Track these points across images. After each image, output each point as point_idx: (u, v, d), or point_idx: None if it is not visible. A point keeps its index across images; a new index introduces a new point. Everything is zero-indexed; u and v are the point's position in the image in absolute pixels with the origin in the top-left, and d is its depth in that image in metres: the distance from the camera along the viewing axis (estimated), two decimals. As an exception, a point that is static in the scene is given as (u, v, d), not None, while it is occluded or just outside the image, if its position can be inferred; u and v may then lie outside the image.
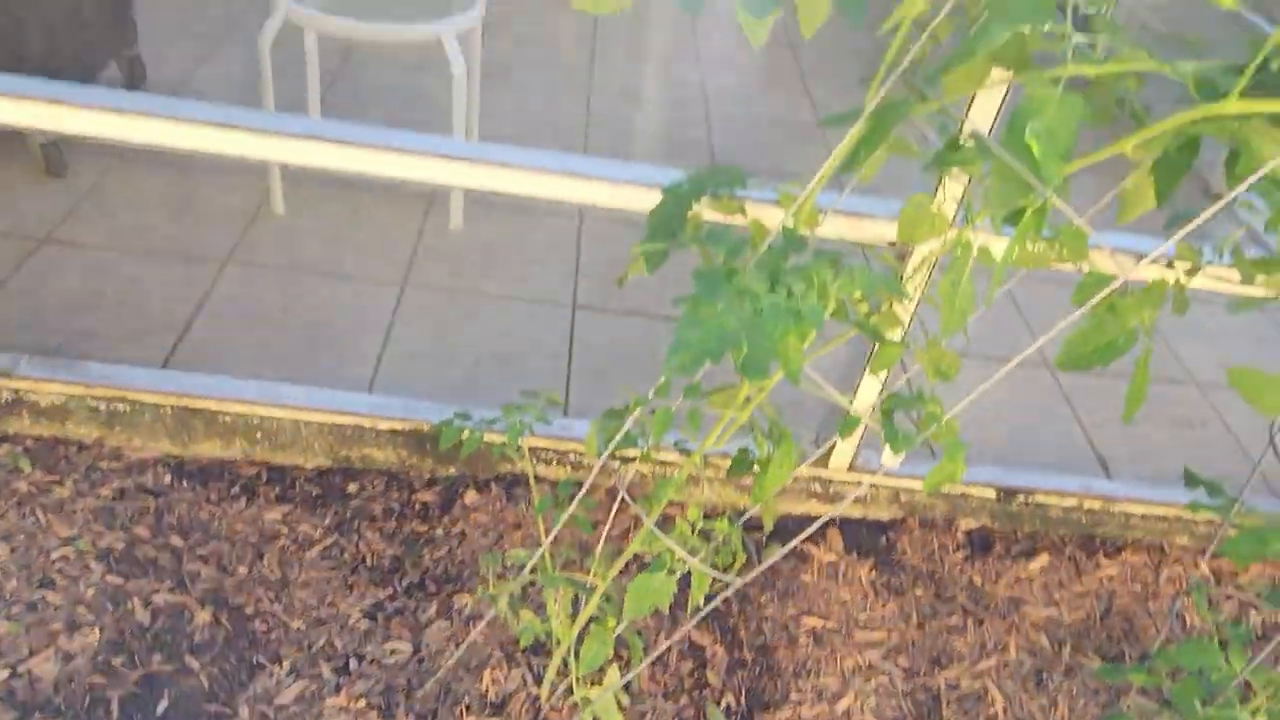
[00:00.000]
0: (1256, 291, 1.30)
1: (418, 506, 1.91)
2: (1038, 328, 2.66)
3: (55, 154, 2.54)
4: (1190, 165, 1.06)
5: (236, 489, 1.87)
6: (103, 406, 1.86)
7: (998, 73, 1.07)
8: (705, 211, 1.29)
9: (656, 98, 3.64)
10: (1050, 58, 0.99)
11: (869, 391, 1.78)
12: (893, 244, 1.66)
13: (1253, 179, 0.90)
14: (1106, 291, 0.98)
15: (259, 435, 1.91)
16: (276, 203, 2.57)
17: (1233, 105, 0.97)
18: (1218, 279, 1.41)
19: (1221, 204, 0.91)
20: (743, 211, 1.32)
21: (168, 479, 1.85)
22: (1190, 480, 1.53)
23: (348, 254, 2.52)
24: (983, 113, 1.36)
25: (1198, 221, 0.95)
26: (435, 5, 2.30)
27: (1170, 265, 1.34)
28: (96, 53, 2.71)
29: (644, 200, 1.57)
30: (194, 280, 2.33)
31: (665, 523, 1.31)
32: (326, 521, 1.84)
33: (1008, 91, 1.35)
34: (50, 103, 1.51)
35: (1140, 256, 1.54)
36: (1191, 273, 1.31)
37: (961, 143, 1.00)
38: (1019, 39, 0.98)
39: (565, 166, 1.58)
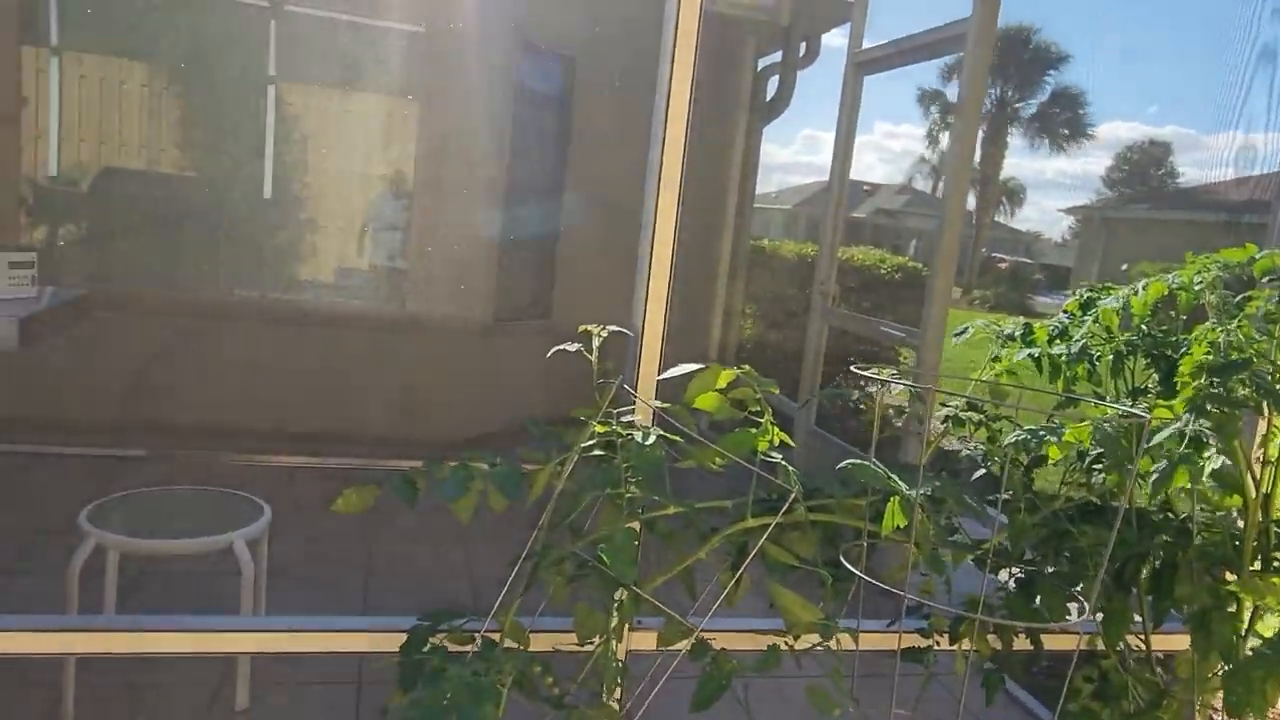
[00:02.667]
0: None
1: None
2: None
3: None
4: (744, 561, 1.67)
5: None
6: None
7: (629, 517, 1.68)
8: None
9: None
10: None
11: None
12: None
13: (748, 560, 1.50)
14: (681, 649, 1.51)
15: None
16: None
17: (750, 522, 1.61)
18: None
19: (730, 585, 1.49)
20: (474, 640, 1.78)
21: None
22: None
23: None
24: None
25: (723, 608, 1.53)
26: (224, 512, 2.75)
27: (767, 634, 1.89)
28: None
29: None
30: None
31: None
32: None
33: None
34: None
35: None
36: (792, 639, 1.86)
37: (590, 564, 1.56)
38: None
39: (325, 625, 1.96)
